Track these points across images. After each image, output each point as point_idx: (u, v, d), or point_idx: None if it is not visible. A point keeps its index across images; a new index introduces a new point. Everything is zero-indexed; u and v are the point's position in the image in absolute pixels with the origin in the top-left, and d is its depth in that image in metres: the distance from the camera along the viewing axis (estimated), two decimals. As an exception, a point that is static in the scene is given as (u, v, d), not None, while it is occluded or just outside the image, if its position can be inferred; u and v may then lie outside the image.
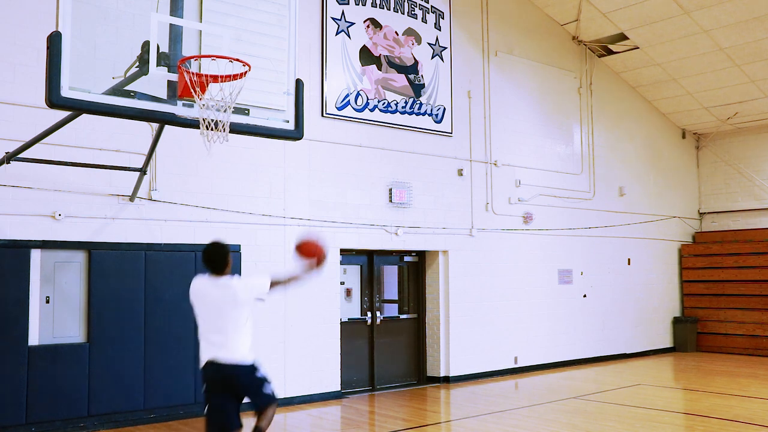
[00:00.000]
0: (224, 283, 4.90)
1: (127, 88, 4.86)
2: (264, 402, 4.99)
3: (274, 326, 9.26)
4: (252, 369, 4.95)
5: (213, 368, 4.89)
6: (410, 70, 11.03)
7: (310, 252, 5.07)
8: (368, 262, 10.81)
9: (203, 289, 4.96)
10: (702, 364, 13.19)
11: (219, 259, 4.93)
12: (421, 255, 11.47)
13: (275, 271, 5.08)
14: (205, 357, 4.92)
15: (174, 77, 4.95)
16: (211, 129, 4.89)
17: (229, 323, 4.84)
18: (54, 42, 4.39)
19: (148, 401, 8.11)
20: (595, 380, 11.37)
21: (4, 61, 7.51)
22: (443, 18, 11.51)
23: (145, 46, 4.85)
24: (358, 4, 10.48)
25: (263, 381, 5.00)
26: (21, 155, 6.60)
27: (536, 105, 12.91)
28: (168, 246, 8.48)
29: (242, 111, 5.33)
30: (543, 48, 13.12)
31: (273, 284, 4.96)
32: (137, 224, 8.28)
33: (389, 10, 10.84)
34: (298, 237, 5.21)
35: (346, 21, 10.31)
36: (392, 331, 11.00)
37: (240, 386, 4.96)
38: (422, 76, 11.15)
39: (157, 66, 4.83)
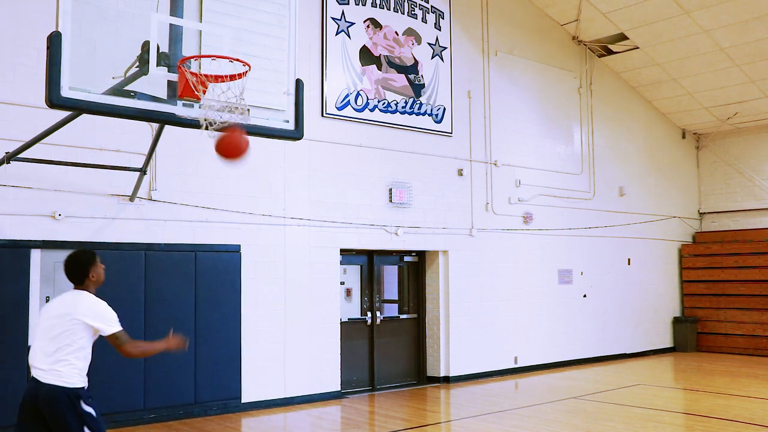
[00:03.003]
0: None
1: (127, 88, 4.85)
2: None
3: (274, 326, 9.26)
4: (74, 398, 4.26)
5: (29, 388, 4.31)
6: (410, 70, 11.03)
7: (231, 148, 4.65)
8: (368, 262, 10.81)
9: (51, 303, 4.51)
10: (702, 364, 13.18)
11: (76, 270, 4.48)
12: (421, 255, 11.47)
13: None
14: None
15: (174, 77, 4.95)
16: (213, 129, 4.89)
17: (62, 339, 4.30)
18: (54, 42, 4.38)
19: (148, 401, 8.11)
20: (595, 380, 11.37)
21: (4, 61, 7.51)
22: (443, 18, 11.51)
23: (145, 46, 4.85)
24: (358, 4, 10.47)
25: (83, 421, 4.24)
26: (21, 155, 6.60)
27: (536, 105, 12.91)
28: (168, 246, 8.48)
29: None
30: (543, 48, 13.12)
31: (117, 338, 4.40)
32: (137, 224, 8.28)
33: (389, 10, 10.84)
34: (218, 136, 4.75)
35: (346, 21, 10.31)
36: (392, 331, 11.00)
37: (52, 416, 4.22)
38: (422, 76, 11.15)
39: (157, 66, 4.83)
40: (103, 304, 4.48)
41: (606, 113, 14.21)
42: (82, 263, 4.52)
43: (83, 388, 4.33)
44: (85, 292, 4.51)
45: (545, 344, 12.56)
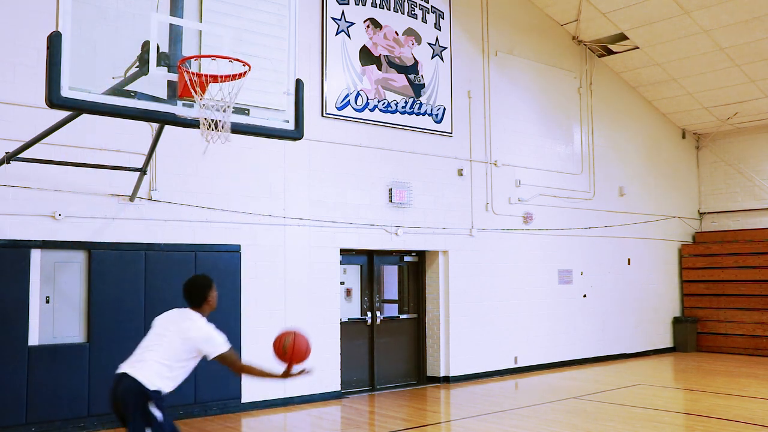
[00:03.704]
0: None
1: (127, 88, 4.85)
2: None
3: (274, 326, 9.25)
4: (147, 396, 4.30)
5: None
6: (410, 70, 11.03)
7: (297, 356, 4.57)
8: (368, 262, 10.81)
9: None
10: (702, 364, 13.19)
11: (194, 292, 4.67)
12: (421, 255, 11.47)
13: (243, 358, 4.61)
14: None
15: (174, 77, 4.95)
16: (212, 129, 4.89)
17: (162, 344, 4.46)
18: (54, 42, 4.38)
19: (148, 401, 8.11)
20: (595, 380, 11.37)
21: (4, 61, 7.51)
22: (443, 18, 11.51)
23: (145, 46, 4.85)
24: (358, 4, 10.47)
25: (148, 421, 4.28)
26: (21, 155, 6.60)
27: (536, 105, 12.91)
28: (168, 246, 8.48)
29: (242, 111, 5.32)
30: (543, 48, 13.12)
31: (225, 358, 4.54)
32: (137, 224, 8.28)
33: (389, 10, 10.84)
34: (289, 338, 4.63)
35: (346, 21, 10.31)
36: (392, 331, 11.00)
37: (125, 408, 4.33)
38: (422, 76, 11.15)
39: (157, 66, 4.83)
40: (212, 327, 4.60)
41: (606, 113, 14.22)
42: (202, 287, 4.70)
43: (158, 392, 4.37)
44: (199, 314, 4.66)
45: (545, 344, 12.56)
